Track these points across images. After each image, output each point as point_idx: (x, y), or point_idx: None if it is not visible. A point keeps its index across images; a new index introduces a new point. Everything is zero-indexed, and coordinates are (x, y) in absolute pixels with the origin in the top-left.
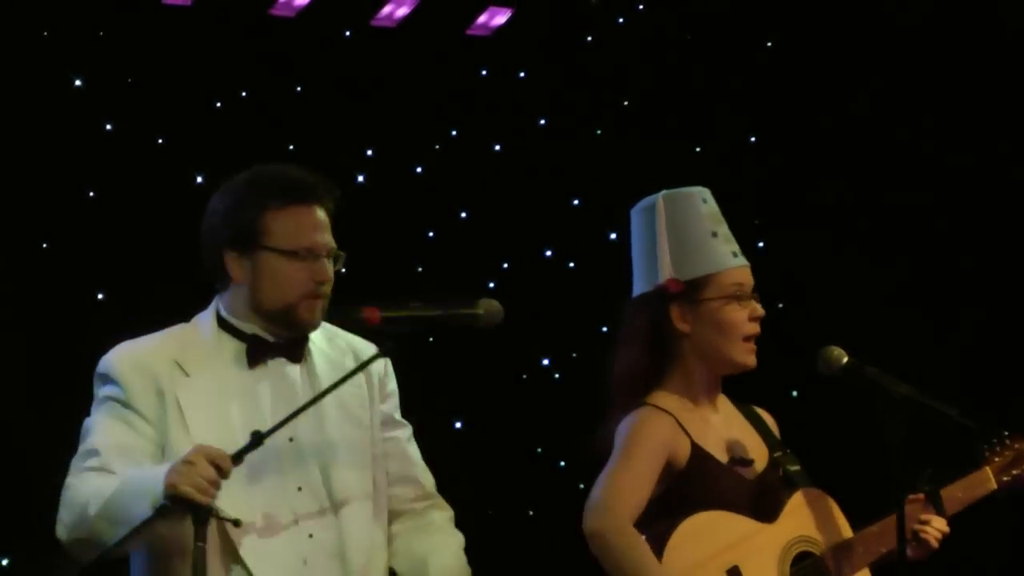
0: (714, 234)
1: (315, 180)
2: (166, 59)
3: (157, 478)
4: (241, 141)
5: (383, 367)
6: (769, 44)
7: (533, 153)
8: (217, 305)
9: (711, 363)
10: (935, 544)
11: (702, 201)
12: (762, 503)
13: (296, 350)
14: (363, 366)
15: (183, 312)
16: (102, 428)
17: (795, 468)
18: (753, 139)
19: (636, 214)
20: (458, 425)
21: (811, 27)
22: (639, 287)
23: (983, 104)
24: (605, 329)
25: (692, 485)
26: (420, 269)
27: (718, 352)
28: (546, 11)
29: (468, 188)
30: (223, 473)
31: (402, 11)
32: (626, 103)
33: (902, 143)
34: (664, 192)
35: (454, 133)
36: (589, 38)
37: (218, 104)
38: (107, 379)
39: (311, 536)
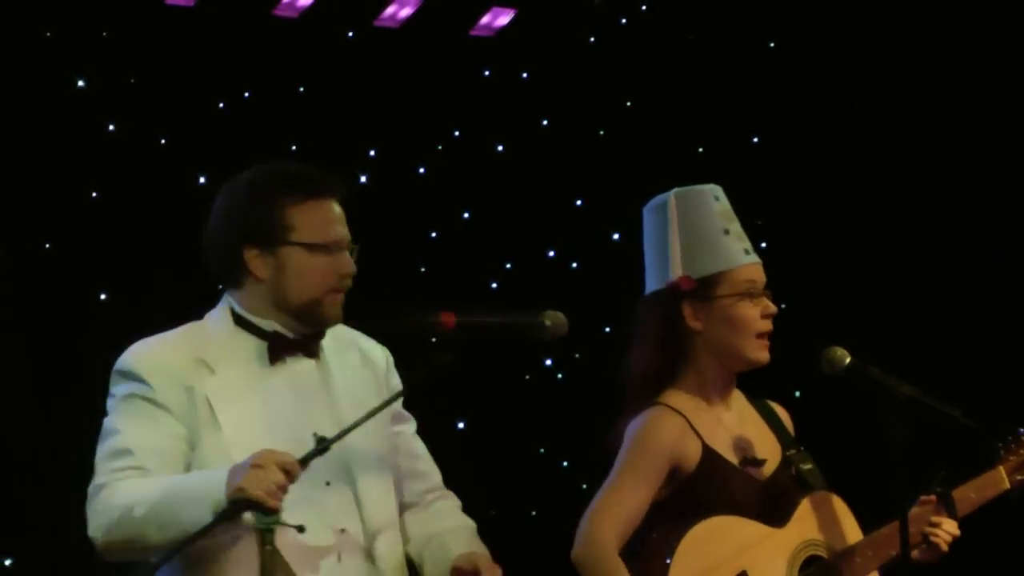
0: (726, 231)
1: (328, 174)
2: (169, 60)
3: (217, 482)
4: (244, 142)
5: (386, 362)
6: (772, 44)
7: (536, 153)
8: (230, 303)
9: (724, 360)
10: (945, 547)
11: (714, 199)
12: (773, 505)
13: (313, 346)
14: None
15: (185, 312)
16: (130, 427)
17: (808, 467)
18: (755, 139)
19: (648, 212)
20: (460, 426)
21: (813, 27)
22: (651, 285)
23: (985, 104)
24: (608, 330)
25: (702, 487)
26: (423, 269)
27: (731, 349)
28: (549, 12)
29: (471, 188)
30: (292, 478)
31: (405, 12)
32: (629, 103)
33: (904, 143)
34: (676, 190)
35: (457, 133)
36: (592, 39)
37: (221, 105)
38: (131, 376)
39: (343, 531)
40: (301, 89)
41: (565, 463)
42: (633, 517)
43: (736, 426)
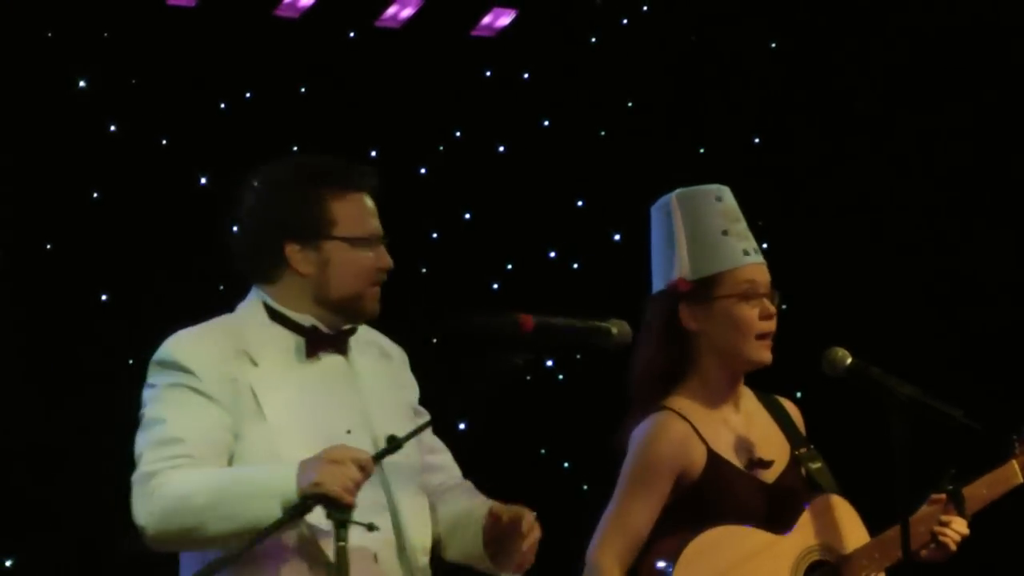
0: (725, 232)
1: (362, 166)
2: (170, 60)
3: (286, 477)
4: (245, 142)
5: (400, 358)
6: (772, 45)
7: (537, 154)
8: (262, 297)
9: (727, 361)
10: (954, 547)
11: (716, 199)
12: (779, 509)
13: (344, 342)
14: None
15: (186, 312)
16: (178, 415)
17: (817, 466)
18: (757, 140)
19: (654, 212)
20: (462, 427)
21: (813, 27)
22: (656, 285)
23: (985, 104)
24: None
25: (708, 493)
26: (424, 270)
27: (732, 350)
28: (550, 12)
29: (472, 189)
30: (367, 475)
31: (406, 12)
32: (630, 104)
33: (904, 143)
34: (678, 190)
35: (458, 134)
36: (593, 39)
37: (222, 105)
38: (175, 366)
39: (378, 530)
40: (302, 90)
41: (566, 464)
42: (639, 536)
43: (743, 427)
